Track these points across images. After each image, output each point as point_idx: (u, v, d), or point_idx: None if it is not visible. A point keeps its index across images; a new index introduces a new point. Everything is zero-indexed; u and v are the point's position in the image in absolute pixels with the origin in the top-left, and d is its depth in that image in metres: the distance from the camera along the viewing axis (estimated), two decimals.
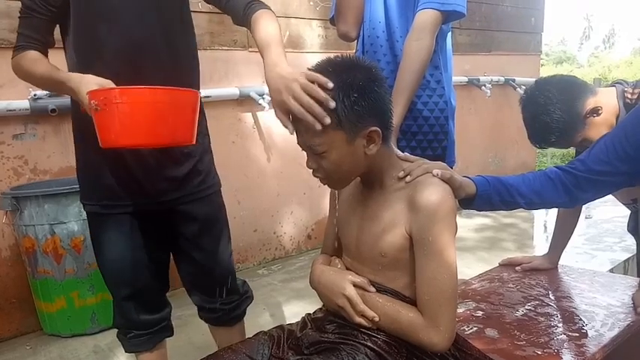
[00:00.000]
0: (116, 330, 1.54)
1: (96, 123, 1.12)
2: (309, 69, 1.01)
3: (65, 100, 2.41)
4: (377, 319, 1.03)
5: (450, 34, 1.68)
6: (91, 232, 1.45)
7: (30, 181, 2.43)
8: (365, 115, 0.98)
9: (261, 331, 1.18)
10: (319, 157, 1.01)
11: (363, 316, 1.04)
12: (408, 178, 1.05)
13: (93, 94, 1.11)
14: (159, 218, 1.43)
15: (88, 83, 1.16)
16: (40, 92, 2.37)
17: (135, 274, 1.43)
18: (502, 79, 4.90)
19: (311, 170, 1.06)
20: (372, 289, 1.06)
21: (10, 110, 2.32)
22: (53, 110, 2.39)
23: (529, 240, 3.83)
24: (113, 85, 1.17)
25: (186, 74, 1.41)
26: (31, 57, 1.29)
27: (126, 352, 1.53)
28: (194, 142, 1.21)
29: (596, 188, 1.29)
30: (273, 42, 1.23)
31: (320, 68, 1.00)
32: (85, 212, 1.46)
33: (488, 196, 1.21)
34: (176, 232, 1.47)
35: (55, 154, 2.50)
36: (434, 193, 1.00)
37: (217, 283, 1.55)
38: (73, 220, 2.26)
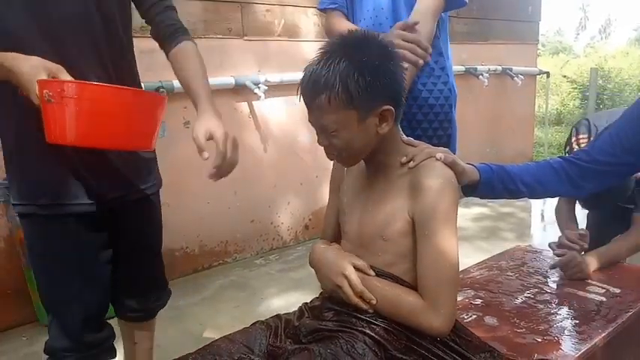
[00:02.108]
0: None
1: (45, 115, 1.01)
2: (321, 48, 1.00)
3: None
4: (374, 301, 1.02)
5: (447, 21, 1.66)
6: (28, 238, 1.25)
7: None
8: (379, 94, 0.97)
9: (258, 321, 1.16)
10: (330, 135, 1.00)
11: (361, 298, 1.02)
12: (411, 164, 1.05)
13: (48, 84, 0.99)
14: (102, 219, 1.27)
15: (35, 67, 1.01)
16: None
17: (85, 287, 1.25)
18: (499, 68, 4.87)
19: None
20: (372, 272, 1.05)
21: None
22: None
23: (527, 229, 3.84)
24: (64, 71, 1.04)
25: (129, 64, 1.29)
26: None
27: None
28: (152, 149, 1.12)
29: (600, 178, 1.30)
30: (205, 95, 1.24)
31: (334, 46, 0.99)
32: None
33: (491, 183, 1.21)
34: (119, 234, 1.34)
35: None
36: (436, 177, 1.00)
37: (157, 280, 1.49)
38: None
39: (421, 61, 1.40)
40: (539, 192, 1.30)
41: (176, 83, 2.35)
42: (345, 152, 1.03)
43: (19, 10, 1.10)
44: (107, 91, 1.04)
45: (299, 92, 1.01)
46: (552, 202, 2.02)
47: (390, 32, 1.41)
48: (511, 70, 4.96)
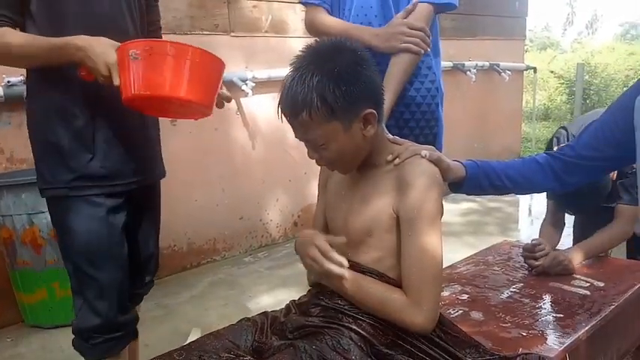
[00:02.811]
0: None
1: (127, 73, 1.11)
2: (292, 63, 1.00)
3: None
4: (346, 264, 0.99)
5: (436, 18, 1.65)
6: (64, 221, 1.30)
7: (7, 171, 2.37)
8: (358, 100, 0.98)
9: (244, 318, 1.16)
10: (320, 148, 1.01)
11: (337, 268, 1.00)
12: (396, 161, 1.06)
13: (136, 44, 1.11)
14: (126, 203, 1.35)
15: (105, 44, 1.15)
16: (14, 79, 2.29)
17: (115, 266, 1.33)
18: (487, 64, 4.90)
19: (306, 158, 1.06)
20: (342, 239, 1.04)
21: None
22: None
23: (514, 224, 3.87)
24: None
25: None
26: (14, 32, 1.19)
27: (90, 359, 1.35)
28: (210, 115, 1.23)
29: (584, 173, 1.31)
30: None
31: (304, 60, 0.99)
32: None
33: (477, 179, 1.21)
34: (140, 214, 1.42)
35: None
36: (421, 174, 1.01)
37: (155, 265, 1.55)
38: None
39: (429, 49, 1.47)
40: (524, 187, 1.31)
41: None
42: (339, 162, 1.04)
43: (72, 8, 1.22)
44: (191, 50, 1.13)
45: (279, 112, 1.01)
46: (539, 197, 2.04)
47: (393, 21, 1.46)
48: (498, 65, 4.99)
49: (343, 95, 0.95)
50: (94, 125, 1.27)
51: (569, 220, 2.05)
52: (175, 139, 2.79)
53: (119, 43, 1.15)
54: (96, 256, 1.30)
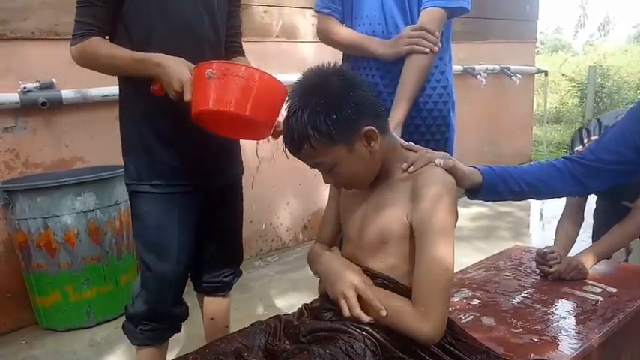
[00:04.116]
0: (117, 321, 1.52)
1: (201, 89, 1.20)
2: (286, 101, 1.04)
3: (55, 92, 2.39)
4: (384, 312, 1.00)
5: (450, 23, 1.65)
6: (137, 211, 1.44)
7: (22, 175, 2.41)
8: (353, 121, 1.00)
9: (257, 321, 1.17)
10: (331, 172, 1.04)
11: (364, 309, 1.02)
12: (411, 169, 1.07)
13: (213, 64, 1.21)
14: (201, 199, 1.47)
15: (181, 62, 1.26)
16: (29, 85, 2.33)
17: (178, 262, 1.44)
18: (497, 67, 4.88)
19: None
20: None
21: (0, 103, 2.29)
22: (44, 103, 2.35)
23: (525, 229, 3.84)
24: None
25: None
26: (103, 42, 1.33)
27: (136, 344, 1.47)
28: (269, 136, 1.32)
29: (605, 177, 1.30)
30: None
31: (294, 97, 1.02)
32: (126, 198, 1.49)
33: (494, 185, 1.21)
34: (220, 210, 1.53)
35: (47, 148, 2.47)
36: (435, 185, 1.01)
37: (239, 254, 1.69)
38: (67, 213, 2.24)
39: (436, 48, 1.45)
40: (543, 192, 1.30)
41: None
42: (354, 181, 1.07)
43: (155, 14, 1.34)
44: (258, 74, 1.22)
45: (285, 148, 1.05)
46: (551, 202, 2.03)
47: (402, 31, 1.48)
48: (509, 69, 4.97)
49: (336, 122, 0.98)
50: (175, 130, 1.39)
51: (585, 225, 2.02)
52: None
53: (193, 65, 1.25)
54: (162, 250, 1.41)
